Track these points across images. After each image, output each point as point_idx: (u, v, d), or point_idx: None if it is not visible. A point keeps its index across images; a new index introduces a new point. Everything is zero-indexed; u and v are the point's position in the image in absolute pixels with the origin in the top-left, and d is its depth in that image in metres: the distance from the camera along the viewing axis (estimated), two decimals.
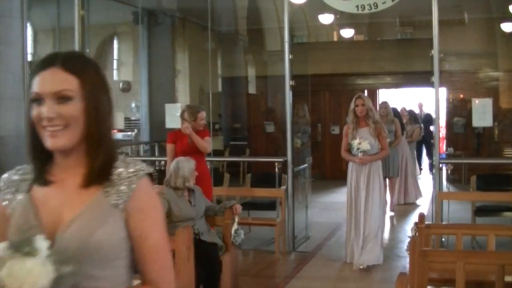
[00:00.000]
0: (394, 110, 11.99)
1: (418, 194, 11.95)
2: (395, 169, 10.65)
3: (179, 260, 5.08)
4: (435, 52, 7.92)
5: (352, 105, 7.46)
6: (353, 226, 7.41)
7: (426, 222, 5.62)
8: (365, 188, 7.32)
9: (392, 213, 10.83)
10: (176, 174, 5.96)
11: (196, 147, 7.14)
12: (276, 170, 8.63)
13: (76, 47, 9.16)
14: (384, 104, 10.70)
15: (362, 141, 7.23)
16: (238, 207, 6.30)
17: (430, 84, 8.08)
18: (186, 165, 5.99)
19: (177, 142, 7.22)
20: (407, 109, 14.25)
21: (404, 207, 11.43)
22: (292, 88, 8.53)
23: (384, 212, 7.97)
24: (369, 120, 7.39)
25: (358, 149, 7.25)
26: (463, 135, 15.06)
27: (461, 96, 15.53)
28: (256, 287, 6.96)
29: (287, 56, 8.48)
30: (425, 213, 8.34)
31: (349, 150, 7.38)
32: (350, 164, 7.47)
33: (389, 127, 9.93)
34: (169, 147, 7.32)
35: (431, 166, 11.69)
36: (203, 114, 7.31)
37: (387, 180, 10.28)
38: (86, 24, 9.58)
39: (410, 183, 11.84)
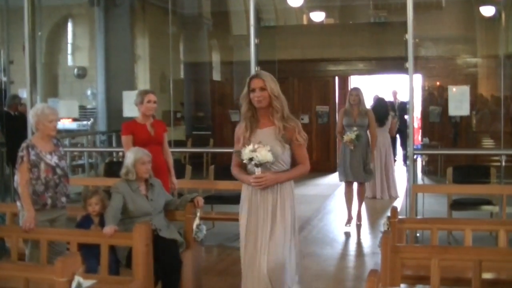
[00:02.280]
0: (380, 100, 12.48)
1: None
2: (368, 174, 9.61)
3: (137, 258, 5.05)
4: (409, 36, 7.94)
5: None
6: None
7: (400, 217, 5.65)
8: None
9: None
10: (124, 163, 5.93)
11: (157, 138, 7.06)
12: None
13: (26, 30, 9.02)
14: (356, 90, 9.57)
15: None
16: (200, 200, 6.23)
17: (405, 70, 8.11)
18: (131, 155, 5.92)
19: (135, 133, 7.01)
20: (379, 96, 14.25)
21: (380, 202, 11.49)
22: None
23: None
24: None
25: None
26: (440, 125, 15.17)
27: (438, 83, 15.64)
28: (220, 286, 6.93)
29: (252, 41, 8.45)
30: (400, 207, 8.46)
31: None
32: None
33: (362, 121, 9.36)
34: (126, 139, 7.01)
35: (405, 157, 11.74)
36: (151, 96, 7.11)
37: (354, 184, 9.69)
38: (37, 5, 9.43)
39: (391, 176, 12.01)
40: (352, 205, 9.57)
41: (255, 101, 4.75)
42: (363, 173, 9.42)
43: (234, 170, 5.08)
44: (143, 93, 7.17)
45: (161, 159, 6.97)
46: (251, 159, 4.67)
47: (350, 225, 9.47)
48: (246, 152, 4.66)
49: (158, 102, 15.11)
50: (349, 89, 16.55)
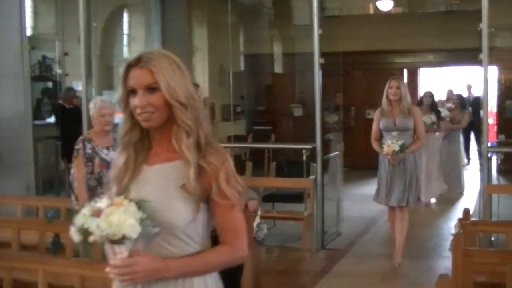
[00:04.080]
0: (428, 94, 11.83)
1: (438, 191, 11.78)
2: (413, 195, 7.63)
3: None
4: (483, 25, 7.82)
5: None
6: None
7: (473, 219, 5.58)
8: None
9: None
10: None
11: None
12: (304, 158, 8.60)
13: (81, 21, 9.19)
14: (397, 81, 7.59)
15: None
16: (252, 204, 6.04)
17: (478, 62, 7.98)
18: None
19: None
20: (455, 92, 14.07)
21: (448, 201, 11.36)
22: (322, 67, 8.48)
23: None
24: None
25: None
26: None
27: None
28: (280, 287, 6.96)
29: (316, 31, 8.43)
30: (473, 208, 8.35)
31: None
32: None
33: (404, 122, 7.48)
34: None
35: (480, 155, 11.53)
36: (200, 91, 7.33)
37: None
38: None
39: (433, 180, 11.56)
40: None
41: (138, 116, 2.56)
42: (407, 195, 7.47)
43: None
44: (196, 86, 7.36)
45: None
46: (84, 232, 2.36)
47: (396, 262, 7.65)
48: (80, 218, 2.38)
49: (217, 96, 15.26)
50: (418, 82, 16.46)
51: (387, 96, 7.52)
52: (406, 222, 7.62)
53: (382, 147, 7.36)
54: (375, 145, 7.59)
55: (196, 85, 7.41)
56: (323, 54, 8.53)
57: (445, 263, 7.33)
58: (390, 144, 7.24)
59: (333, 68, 11.43)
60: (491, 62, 8.40)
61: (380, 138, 7.57)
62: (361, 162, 14.69)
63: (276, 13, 17.02)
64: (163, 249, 2.53)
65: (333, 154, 9.30)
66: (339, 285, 6.92)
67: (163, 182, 2.56)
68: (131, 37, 17.18)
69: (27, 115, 9.31)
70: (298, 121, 15.14)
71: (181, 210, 2.51)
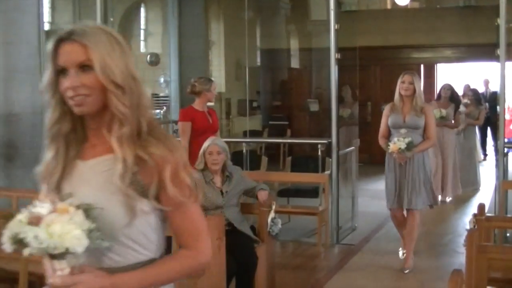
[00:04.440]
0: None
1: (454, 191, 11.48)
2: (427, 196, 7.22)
3: None
4: (501, 21, 7.79)
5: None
6: None
7: (488, 214, 5.57)
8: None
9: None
10: (201, 156, 5.99)
11: (214, 126, 7.38)
12: (319, 153, 8.62)
13: (98, 16, 9.25)
14: (410, 76, 7.07)
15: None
16: (263, 194, 6.12)
17: (496, 58, 7.96)
18: (205, 144, 6.05)
19: (195, 120, 7.32)
20: (471, 87, 13.97)
21: (464, 197, 11.32)
22: (338, 62, 8.48)
23: None
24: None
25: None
26: None
27: None
28: (295, 282, 6.99)
29: (332, 26, 8.43)
30: (488, 204, 8.32)
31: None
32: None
33: (415, 120, 7.00)
34: (185, 125, 7.36)
35: (496, 151, 11.49)
36: (216, 85, 7.49)
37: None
38: None
39: (449, 178, 11.24)
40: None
41: (70, 100, 2.16)
42: (417, 197, 7.01)
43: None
44: (210, 81, 7.50)
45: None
46: (19, 242, 1.95)
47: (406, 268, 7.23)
48: (14, 225, 1.97)
49: (235, 91, 15.28)
50: (436, 77, 16.39)
51: (399, 92, 7.07)
52: (417, 227, 7.19)
53: (388, 145, 6.89)
54: (381, 143, 7.17)
55: (210, 80, 7.52)
56: (339, 49, 8.53)
57: (460, 259, 7.31)
58: (397, 142, 6.79)
59: (350, 63, 11.44)
60: (509, 58, 8.35)
61: (388, 136, 7.14)
62: (377, 158, 14.65)
63: (293, 8, 17.00)
64: (105, 258, 2.12)
65: (348, 149, 9.29)
66: (353, 280, 6.93)
67: (99, 180, 2.15)
68: (148, 32, 17.25)
69: (43, 110, 9.35)
70: (314, 116, 15.14)
71: (118, 212, 2.10)
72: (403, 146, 6.76)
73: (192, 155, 6.94)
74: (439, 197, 10.29)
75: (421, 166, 7.03)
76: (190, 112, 7.44)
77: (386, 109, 7.27)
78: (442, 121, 10.59)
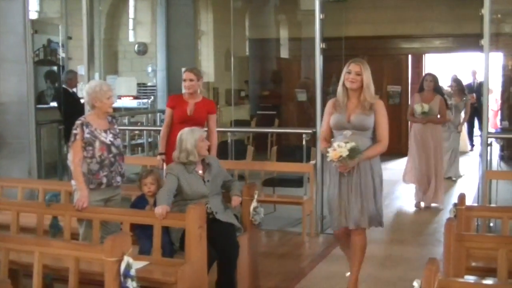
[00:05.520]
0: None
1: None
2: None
3: (189, 240, 5.16)
4: (485, 11, 7.80)
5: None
6: None
7: (472, 204, 5.60)
8: None
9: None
10: (180, 148, 5.97)
11: (196, 118, 7.21)
12: (304, 142, 8.63)
13: (84, 4, 9.23)
14: (357, 64, 5.76)
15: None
16: (236, 201, 6.05)
17: (481, 48, 7.97)
18: (190, 137, 5.98)
19: (176, 108, 7.35)
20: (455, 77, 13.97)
21: (450, 186, 11.38)
22: (325, 52, 8.49)
23: None
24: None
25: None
26: None
27: None
28: (279, 271, 7.01)
29: (317, 16, 8.43)
30: (473, 195, 8.36)
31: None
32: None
33: (362, 120, 5.77)
34: (167, 111, 7.46)
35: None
36: (187, 74, 7.35)
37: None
38: None
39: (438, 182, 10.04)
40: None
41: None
42: (364, 214, 5.80)
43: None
44: (199, 72, 7.47)
45: None
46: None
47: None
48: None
49: (223, 81, 15.23)
50: (423, 68, 16.40)
51: (343, 84, 5.80)
52: (365, 248, 6.03)
53: (328, 152, 5.57)
54: (321, 148, 6.04)
55: (189, 69, 7.44)
56: (325, 39, 8.53)
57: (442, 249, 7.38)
58: (337, 148, 5.48)
59: (339, 53, 11.45)
60: (496, 48, 8.39)
61: (330, 138, 5.88)
62: None
63: None
64: None
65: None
66: (338, 269, 6.96)
67: None
68: (137, 21, 17.21)
69: (30, 99, 9.35)
70: (302, 106, 15.15)
71: None
72: (344, 153, 5.46)
73: (170, 143, 7.03)
74: (432, 204, 9.89)
75: (369, 176, 5.76)
76: (173, 99, 7.53)
77: (328, 105, 5.96)
78: (425, 117, 9.78)
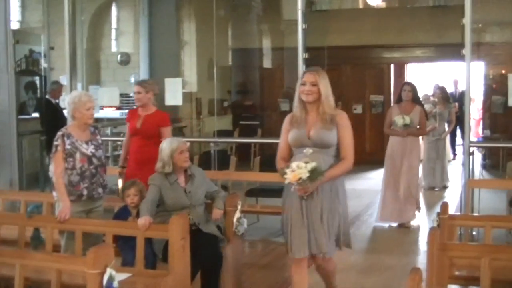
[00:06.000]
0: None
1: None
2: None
3: (172, 251, 5.14)
4: (467, 20, 7.84)
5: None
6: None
7: (454, 213, 5.62)
8: None
9: None
10: (159, 158, 5.96)
11: (143, 131, 7.16)
12: None
13: (66, 14, 9.20)
14: (312, 75, 5.17)
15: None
16: (217, 214, 6.01)
17: (462, 57, 8.00)
18: (167, 148, 5.96)
19: (130, 121, 7.36)
20: (438, 85, 14.03)
21: (433, 196, 11.41)
22: (307, 61, 8.50)
23: None
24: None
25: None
26: (503, 116, 14.87)
27: (503, 71, 15.32)
28: (263, 281, 6.99)
29: (300, 26, 8.44)
30: (456, 203, 8.39)
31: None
32: None
33: (323, 136, 5.16)
34: (127, 125, 7.49)
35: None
36: (135, 87, 7.32)
37: None
38: None
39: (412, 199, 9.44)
40: None
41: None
42: (329, 240, 5.18)
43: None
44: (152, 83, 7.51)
45: (145, 153, 7.03)
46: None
47: None
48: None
49: (206, 90, 15.22)
50: (405, 77, 16.46)
51: (299, 97, 5.20)
52: (334, 273, 5.65)
53: (285, 173, 4.92)
54: (278, 168, 5.25)
55: (137, 83, 7.36)
56: (308, 49, 8.55)
57: (425, 257, 7.39)
58: (296, 169, 4.83)
59: (320, 63, 11.47)
60: (478, 58, 8.43)
61: (289, 158, 5.32)
62: None
63: (265, 7, 17.02)
64: None
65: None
66: (320, 279, 6.95)
67: None
68: (119, 31, 17.17)
69: (11, 110, 9.29)
70: (285, 116, 15.07)
71: None
72: (305, 175, 4.81)
73: (130, 156, 7.23)
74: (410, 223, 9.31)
75: (333, 196, 5.17)
76: (129, 113, 7.57)
77: (285, 121, 5.36)
78: (406, 129, 9.19)
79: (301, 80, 5.16)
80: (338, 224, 5.19)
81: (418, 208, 9.51)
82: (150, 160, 6.62)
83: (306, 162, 4.83)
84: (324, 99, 5.10)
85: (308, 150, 5.06)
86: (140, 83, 7.38)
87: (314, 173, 4.79)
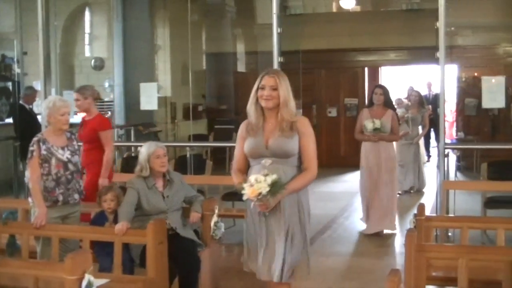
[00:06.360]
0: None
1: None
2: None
3: (150, 256, 5.12)
4: (440, 24, 7.90)
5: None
6: None
7: (430, 214, 5.66)
8: None
9: None
10: (138, 161, 5.97)
11: (84, 136, 7.30)
12: None
13: (39, 19, 9.13)
14: (273, 76, 4.66)
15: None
16: (195, 217, 6.06)
17: (436, 60, 8.07)
18: (144, 151, 5.96)
19: (79, 128, 7.51)
20: (415, 89, 14.09)
21: (410, 198, 11.48)
22: (282, 65, 8.51)
23: None
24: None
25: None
26: (476, 118, 15.04)
27: (475, 74, 15.46)
28: (241, 285, 6.96)
29: (275, 30, 8.45)
30: (431, 205, 8.43)
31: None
32: None
33: (282, 145, 4.59)
34: None
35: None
36: (74, 94, 7.49)
37: None
38: None
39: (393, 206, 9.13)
40: None
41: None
42: (289, 264, 4.70)
43: None
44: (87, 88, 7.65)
45: (88, 157, 7.18)
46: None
47: None
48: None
49: (181, 95, 15.22)
50: (380, 80, 16.55)
51: (256, 102, 4.67)
52: None
53: (243, 188, 4.37)
54: (235, 182, 4.73)
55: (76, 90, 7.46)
56: (284, 53, 8.56)
57: (403, 259, 7.42)
58: (255, 183, 4.29)
59: (294, 66, 11.50)
60: (451, 61, 8.48)
61: (246, 170, 4.77)
62: (323, 160, 14.76)
63: (239, 12, 17.05)
64: None
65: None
66: (299, 282, 6.95)
67: None
68: (93, 36, 17.10)
69: None
70: None
71: None
72: (265, 189, 4.29)
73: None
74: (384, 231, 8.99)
75: (295, 211, 4.66)
76: (81, 121, 7.67)
77: (240, 129, 4.84)
78: (377, 134, 8.86)
79: (260, 84, 4.62)
80: (299, 245, 4.67)
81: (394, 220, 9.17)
82: (93, 163, 7.06)
83: (266, 175, 4.32)
84: (283, 105, 4.59)
85: (267, 161, 4.54)
86: (77, 90, 7.55)
87: (275, 187, 4.31)
